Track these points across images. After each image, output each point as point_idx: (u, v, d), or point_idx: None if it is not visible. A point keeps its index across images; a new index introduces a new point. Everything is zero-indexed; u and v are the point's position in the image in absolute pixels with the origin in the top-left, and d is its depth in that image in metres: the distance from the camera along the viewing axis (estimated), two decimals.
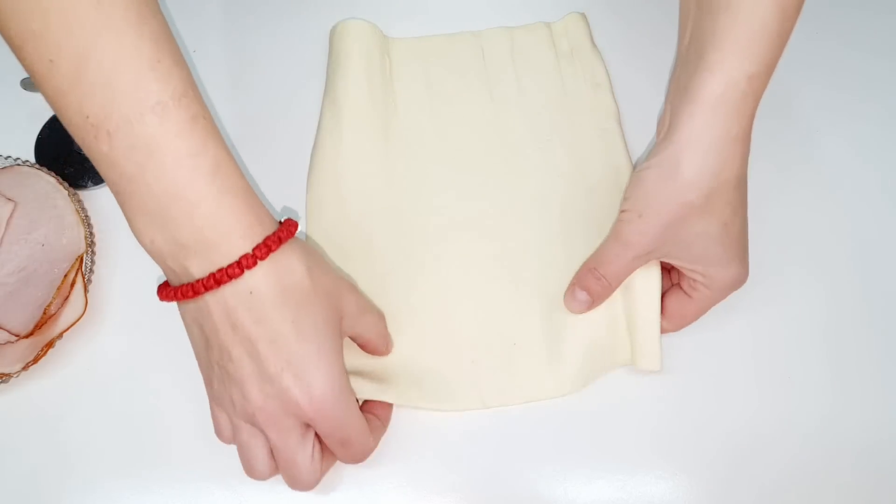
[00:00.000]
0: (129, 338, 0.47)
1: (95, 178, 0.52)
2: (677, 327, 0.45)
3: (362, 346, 0.44)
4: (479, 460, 0.44)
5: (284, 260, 0.37)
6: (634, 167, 0.43)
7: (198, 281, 0.36)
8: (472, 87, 0.54)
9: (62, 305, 0.46)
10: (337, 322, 0.39)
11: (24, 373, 0.45)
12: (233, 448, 0.44)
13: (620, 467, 0.43)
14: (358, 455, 0.41)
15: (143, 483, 0.44)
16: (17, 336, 0.46)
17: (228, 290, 0.36)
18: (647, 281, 0.45)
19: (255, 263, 0.36)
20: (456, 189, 0.50)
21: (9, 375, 0.45)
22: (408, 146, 0.51)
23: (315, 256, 0.39)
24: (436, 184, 0.50)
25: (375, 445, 0.42)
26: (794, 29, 0.40)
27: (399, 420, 0.45)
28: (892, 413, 0.44)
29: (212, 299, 0.37)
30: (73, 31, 0.34)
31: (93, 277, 0.48)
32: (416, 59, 0.55)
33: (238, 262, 0.36)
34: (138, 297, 0.48)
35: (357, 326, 0.42)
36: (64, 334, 0.46)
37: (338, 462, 0.43)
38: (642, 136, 0.51)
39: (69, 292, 0.46)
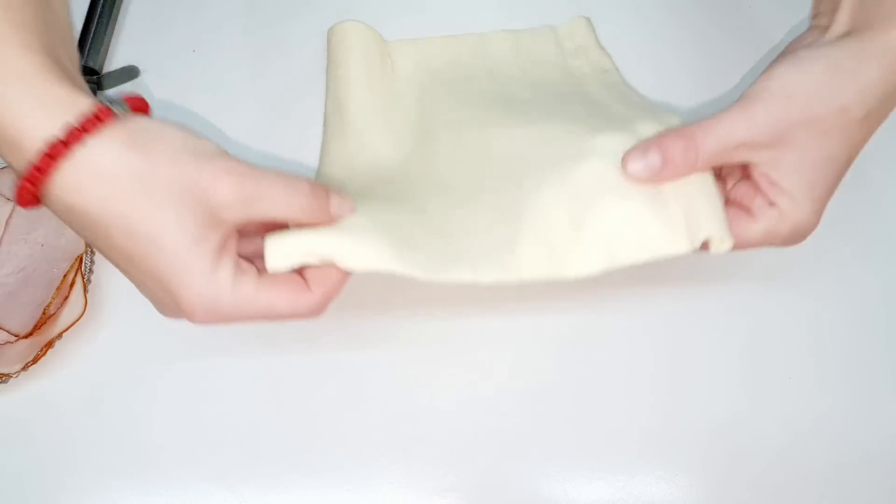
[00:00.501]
0: (128, 338, 0.47)
1: None
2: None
3: (296, 222, 0.36)
4: (480, 460, 0.44)
5: (90, 168, 0.30)
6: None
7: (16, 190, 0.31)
8: (478, 87, 0.53)
9: (62, 305, 0.46)
10: (197, 225, 0.32)
11: (23, 373, 0.45)
12: (233, 448, 0.44)
13: (620, 467, 0.43)
14: (296, 319, 0.35)
15: (142, 483, 0.44)
16: (16, 336, 0.46)
17: (45, 194, 0.31)
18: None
19: (37, 183, 0.30)
20: (468, 188, 0.50)
21: (8, 375, 0.45)
22: (415, 148, 0.51)
23: (144, 144, 0.31)
24: (447, 186, 0.50)
25: (317, 309, 0.35)
26: None
27: (399, 420, 0.45)
28: (893, 414, 0.44)
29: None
30: None
31: (92, 277, 0.48)
32: (418, 60, 0.54)
33: (23, 180, 0.30)
34: (138, 297, 0.48)
35: (255, 211, 0.34)
36: (63, 334, 0.46)
37: (336, 459, 0.43)
38: None
39: (69, 292, 0.46)
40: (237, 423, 0.45)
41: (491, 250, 0.38)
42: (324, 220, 0.36)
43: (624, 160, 0.37)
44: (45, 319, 0.45)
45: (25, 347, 0.45)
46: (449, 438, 0.44)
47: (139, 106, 0.34)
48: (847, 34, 0.36)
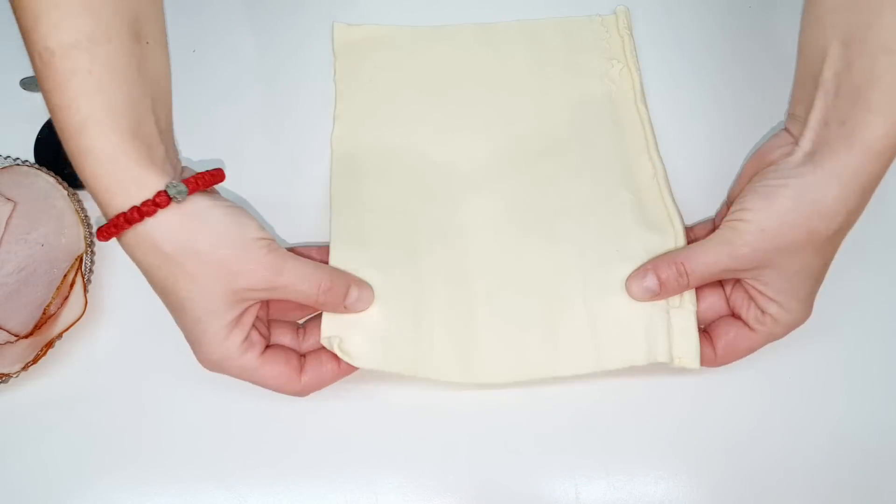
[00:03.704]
0: (128, 338, 0.47)
1: None
2: (725, 361, 0.43)
3: (309, 305, 0.43)
4: (480, 460, 0.44)
5: (145, 240, 0.37)
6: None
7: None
8: (481, 79, 0.53)
9: (62, 305, 0.46)
10: (220, 301, 0.39)
11: (23, 373, 0.45)
12: (233, 448, 0.44)
13: (620, 467, 0.43)
14: (283, 394, 0.42)
15: (142, 483, 0.44)
16: (16, 336, 0.46)
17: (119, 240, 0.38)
18: None
19: (104, 237, 0.38)
20: (479, 181, 0.50)
21: (9, 375, 0.45)
22: (422, 149, 0.51)
23: (192, 228, 0.38)
24: (457, 179, 0.50)
25: (299, 394, 0.42)
26: None
27: (398, 419, 0.45)
28: (893, 413, 0.44)
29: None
30: None
31: (92, 277, 0.48)
32: (422, 51, 0.54)
33: (100, 230, 0.38)
34: (138, 297, 0.48)
35: (276, 295, 0.41)
36: (63, 334, 0.46)
37: (335, 459, 0.44)
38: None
39: (69, 292, 0.46)
40: (237, 423, 0.45)
41: (500, 351, 0.44)
42: (337, 311, 0.43)
43: (628, 283, 0.44)
44: (45, 319, 0.45)
45: (25, 347, 0.45)
46: (449, 438, 0.44)
47: (215, 176, 0.40)
48: (810, 154, 0.41)
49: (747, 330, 0.43)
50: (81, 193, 0.50)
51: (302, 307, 0.43)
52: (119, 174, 0.37)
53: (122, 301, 0.48)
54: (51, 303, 0.46)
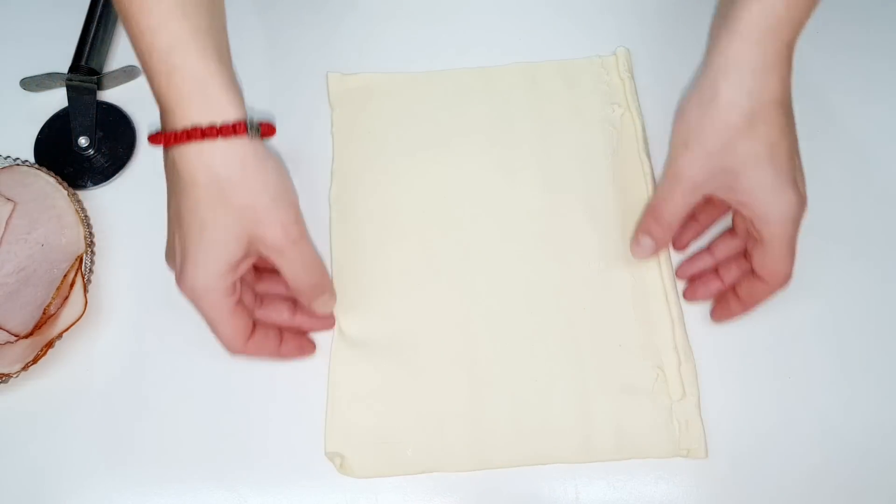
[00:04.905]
0: (128, 338, 0.47)
1: (95, 178, 0.52)
2: (747, 307, 0.44)
3: (290, 285, 0.43)
4: None
5: (205, 157, 0.39)
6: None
7: (151, 135, 0.41)
8: (481, 128, 0.52)
9: (62, 305, 0.46)
10: (236, 238, 0.40)
11: (23, 373, 0.45)
12: (233, 448, 0.44)
13: (620, 467, 0.43)
14: (224, 346, 0.42)
15: (142, 483, 0.44)
16: (16, 336, 0.46)
17: (166, 153, 0.40)
18: (686, 368, 0.44)
19: (170, 143, 0.39)
20: (482, 260, 0.48)
21: (9, 375, 0.45)
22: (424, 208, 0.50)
23: (248, 165, 0.39)
24: (459, 255, 0.49)
25: (247, 352, 0.43)
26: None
27: None
28: (892, 413, 0.44)
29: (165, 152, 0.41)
30: None
31: (92, 277, 0.48)
32: (420, 99, 0.53)
33: (163, 135, 0.39)
34: (138, 297, 0.48)
35: (275, 258, 0.41)
36: (63, 334, 0.46)
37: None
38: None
39: (69, 292, 0.46)
40: (237, 424, 0.45)
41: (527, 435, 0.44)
42: (302, 301, 0.44)
43: (632, 251, 0.46)
44: (45, 319, 0.45)
45: (25, 347, 0.45)
46: None
47: (267, 130, 0.41)
48: (706, 59, 0.42)
49: (759, 282, 0.43)
50: (81, 193, 0.50)
51: (266, 276, 0.44)
52: (206, 92, 0.39)
53: (122, 301, 0.48)
54: (51, 303, 0.46)
